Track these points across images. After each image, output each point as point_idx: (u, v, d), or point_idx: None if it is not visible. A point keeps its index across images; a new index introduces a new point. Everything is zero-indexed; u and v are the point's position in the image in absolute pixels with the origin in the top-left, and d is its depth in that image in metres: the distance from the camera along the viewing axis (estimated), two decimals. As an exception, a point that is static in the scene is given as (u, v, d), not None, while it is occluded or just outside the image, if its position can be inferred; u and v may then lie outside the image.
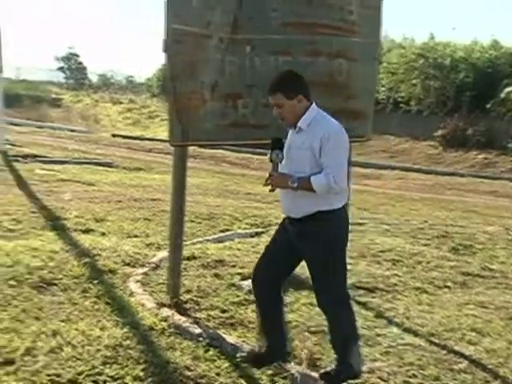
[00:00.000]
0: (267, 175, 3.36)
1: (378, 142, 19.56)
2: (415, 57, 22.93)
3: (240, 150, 17.37)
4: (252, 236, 6.73)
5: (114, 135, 23.37)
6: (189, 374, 3.47)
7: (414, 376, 3.67)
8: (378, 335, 4.20)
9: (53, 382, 3.25)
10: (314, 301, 3.62)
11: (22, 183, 9.38)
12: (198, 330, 4.01)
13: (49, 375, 3.29)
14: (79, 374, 3.33)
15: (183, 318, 4.20)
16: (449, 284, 5.56)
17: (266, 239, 5.71)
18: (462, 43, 22.90)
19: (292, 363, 3.67)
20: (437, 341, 4.21)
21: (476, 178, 16.43)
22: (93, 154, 15.31)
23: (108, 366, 3.44)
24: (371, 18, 4.97)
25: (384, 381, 3.59)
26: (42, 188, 9.01)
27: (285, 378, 3.54)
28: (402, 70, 23.01)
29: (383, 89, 22.03)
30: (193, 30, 4.18)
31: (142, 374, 3.40)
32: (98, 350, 3.60)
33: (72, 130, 24.07)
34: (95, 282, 4.78)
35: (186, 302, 4.53)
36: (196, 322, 4.18)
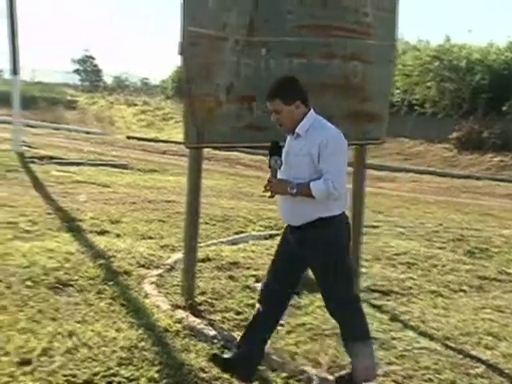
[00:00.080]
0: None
1: (392, 145, 19.46)
2: (430, 59, 22.80)
3: (254, 152, 17.35)
4: (266, 238, 6.73)
5: (128, 137, 23.48)
6: (203, 375, 3.48)
7: (430, 380, 3.65)
8: (394, 338, 4.18)
9: (69, 383, 3.27)
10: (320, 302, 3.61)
11: (38, 185, 9.46)
12: (212, 332, 4.02)
13: (65, 376, 3.31)
14: (95, 374, 3.35)
15: (198, 320, 4.20)
16: (464, 288, 5.52)
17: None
18: (477, 45, 22.75)
19: (309, 366, 3.66)
20: (453, 345, 4.18)
21: (492, 180, 16.28)
22: (108, 155, 15.39)
23: (123, 367, 3.46)
24: (387, 20, 4.96)
25: (399, 384, 3.58)
26: (57, 189, 9.08)
27: (299, 380, 3.54)
28: (417, 73, 22.89)
29: (398, 91, 21.92)
30: (208, 32, 4.20)
31: (156, 375, 3.42)
32: (114, 352, 3.62)
33: (87, 132, 24.24)
34: (110, 283, 4.81)
35: (200, 304, 4.54)
36: (211, 323, 4.19)
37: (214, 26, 4.21)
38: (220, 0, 4.24)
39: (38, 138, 17.59)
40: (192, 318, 4.21)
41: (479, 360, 3.96)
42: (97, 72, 47.08)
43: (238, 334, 4.02)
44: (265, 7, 4.35)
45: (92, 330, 3.89)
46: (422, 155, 20.56)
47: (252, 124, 4.40)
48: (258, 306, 3.56)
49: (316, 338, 4.07)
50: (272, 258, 3.63)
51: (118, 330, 3.93)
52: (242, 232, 7.08)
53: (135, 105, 34.58)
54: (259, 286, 4.78)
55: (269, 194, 3.35)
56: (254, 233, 7.03)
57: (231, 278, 5.20)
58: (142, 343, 3.77)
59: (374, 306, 4.81)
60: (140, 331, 3.94)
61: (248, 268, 5.45)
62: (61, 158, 12.98)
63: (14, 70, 13.42)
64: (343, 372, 3.50)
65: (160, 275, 5.15)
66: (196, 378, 3.45)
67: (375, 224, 7.93)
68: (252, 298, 4.70)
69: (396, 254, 6.43)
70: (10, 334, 3.75)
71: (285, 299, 3.57)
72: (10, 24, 13.11)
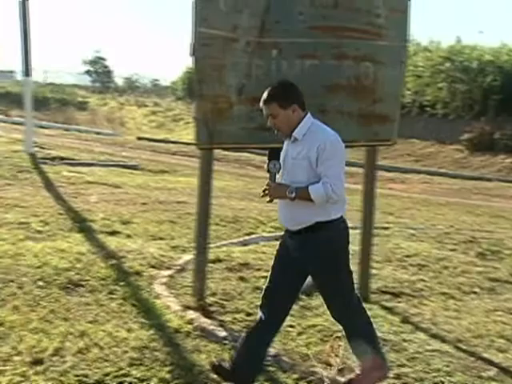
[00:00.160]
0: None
1: (402, 146, 19.41)
2: (441, 60, 22.72)
3: (265, 154, 17.30)
4: (277, 239, 6.64)
5: (139, 138, 23.56)
6: (214, 376, 3.47)
7: (441, 382, 3.62)
8: (405, 341, 4.16)
9: (80, 383, 3.29)
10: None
11: (49, 185, 9.52)
12: (223, 333, 4.02)
13: (77, 376, 3.33)
14: (106, 374, 3.37)
15: (208, 321, 4.22)
16: (476, 290, 5.49)
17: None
18: (489, 46, 22.66)
19: (319, 367, 3.65)
20: (464, 347, 4.16)
21: (503, 182, 16.18)
22: (118, 156, 15.46)
23: (134, 367, 3.47)
24: (398, 22, 4.93)
25: (411, 387, 3.56)
26: (68, 190, 9.13)
27: (310, 382, 3.53)
28: (428, 74, 22.81)
29: (409, 92, 21.84)
30: (220, 33, 4.20)
31: (167, 376, 3.43)
32: (125, 352, 3.63)
33: (98, 133, 24.34)
34: (121, 283, 4.83)
35: (211, 305, 4.54)
36: (221, 324, 4.20)
37: (225, 28, 4.22)
38: (231, 1, 4.25)
39: (49, 138, 17.69)
40: (203, 319, 4.22)
41: (491, 363, 3.93)
42: (107, 73, 47.33)
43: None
44: (276, 9, 4.35)
45: (103, 331, 3.91)
46: (433, 156, 20.48)
47: (263, 125, 4.37)
48: (259, 313, 3.45)
49: (327, 339, 4.06)
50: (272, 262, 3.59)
51: (129, 331, 3.94)
52: (252, 233, 7.08)
53: (145, 106, 34.74)
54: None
55: (268, 198, 3.32)
56: (264, 234, 7.04)
57: (242, 279, 5.20)
58: (153, 344, 3.78)
59: (385, 308, 4.79)
60: (151, 332, 3.96)
61: (258, 269, 5.45)
62: (72, 159, 13.05)
63: (27, 72, 13.51)
64: (353, 374, 3.48)
65: (171, 276, 5.16)
66: (207, 378, 3.46)
67: (386, 225, 7.91)
68: (263, 300, 4.70)
69: (407, 256, 6.40)
70: (23, 333, 3.78)
71: (285, 305, 3.46)
72: (22, 26, 13.20)
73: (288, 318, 3.54)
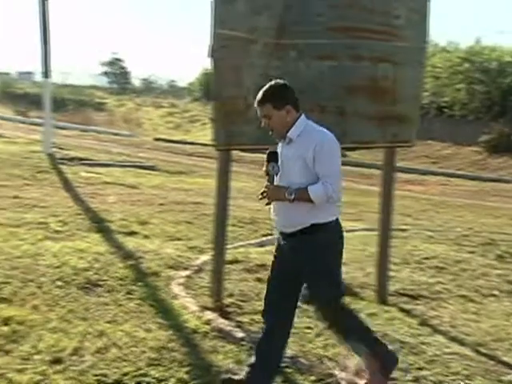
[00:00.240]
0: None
1: (420, 148, 19.26)
2: (460, 61, 22.55)
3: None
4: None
5: (156, 139, 23.68)
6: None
7: (461, 386, 3.60)
8: (423, 343, 4.13)
9: (99, 382, 3.30)
10: (352, 305, 3.56)
11: (67, 185, 9.61)
12: (240, 334, 4.02)
13: (95, 375, 3.35)
14: (125, 374, 3.38)
15: (226, 322, 4.22)
16: (495, 292, 5.44)
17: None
18: (509, 47, 22.44)
19: (336, 370, 3.64)
20: (484, 351, 4.12)
21: (522, 184, 16.03)
22: (136, 157, 15.55)
23: (153, 367, 3.48)
24: (417, 23, 4.91)
25: (429, 390, 3.54)
26: (86, 190, 9.21)
27: (328, 384, 3.52)
28: (447, 75, 22.66)
29: (427, 93, 21.69)
30: (238, 34, 4.21)
31: (185, 376, 3.43)
32: (143, 352, 3.65)
33: (116, 134, 24.51)
34: (139, 284, 4.85)
35: (228, 306, 4.54)
36: (239, 325, 4.20)
37: (243, 29, 4.22)
38: (250, 3, 4.25)
39: (67, 139, 17.85)
40: (220, 320, 4.23)
41: (511, 367, 3.89)
42: (125, 74, 47.63)
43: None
44: (295, 10, 4.35)
45: (121, 330, 3.93)
46: (451, 158, 20.33)
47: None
48: (263, 325, 3.40)
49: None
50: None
51: (147, 331, 3.96)
52: (269, 234, 7.06)
53: (162, 107, 34.89)
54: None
55: (266, 201, 3.28)
56: (281, 235, 7.02)
57: (259, 280, 5.19)
58: (171, 344, 3.79)
59: (402, 310, 4.76)
60: (169, 332, 3.97)
61: (276, 270, 5.43)
62: (90, 160, 13.16)
63: (46, 74, 13.65)
64: (367, 376, 3.47)
65: (188, 276, 5.18)
66: (224, 379, 3.46)
67: (404, 227, 7.86)
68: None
69: (425, 258, 6.36)
70: (42, 333, 3.81)
71: (288, 310, 3.40)
72: (42, 29, 13.33)
73: (306, 319, 3.53)
